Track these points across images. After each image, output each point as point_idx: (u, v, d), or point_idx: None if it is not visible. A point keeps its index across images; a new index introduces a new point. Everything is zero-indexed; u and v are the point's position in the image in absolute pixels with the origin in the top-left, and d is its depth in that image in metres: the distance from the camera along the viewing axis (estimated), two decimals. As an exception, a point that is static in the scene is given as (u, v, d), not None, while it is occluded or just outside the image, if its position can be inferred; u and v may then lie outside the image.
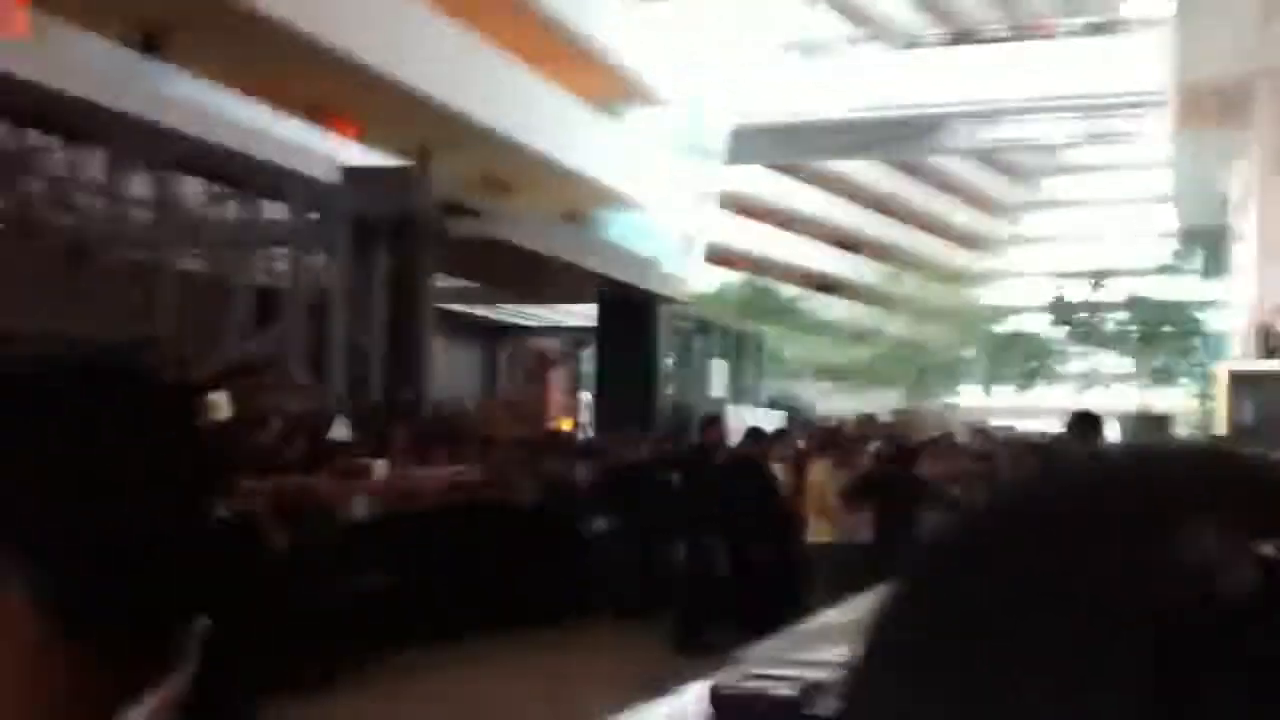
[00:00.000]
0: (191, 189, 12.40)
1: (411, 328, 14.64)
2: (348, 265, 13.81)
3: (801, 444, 13.20)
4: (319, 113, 21.55)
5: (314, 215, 13.47)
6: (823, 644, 3.56)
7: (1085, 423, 7.96)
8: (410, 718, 8.13)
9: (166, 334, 11.35)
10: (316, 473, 9.30)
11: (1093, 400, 40.88)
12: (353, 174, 15.59)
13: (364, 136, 22.51)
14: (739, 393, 24.15)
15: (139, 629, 0.77)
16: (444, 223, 14.89)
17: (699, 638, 10.17)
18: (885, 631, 0.40)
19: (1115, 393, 40.63)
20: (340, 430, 10.38)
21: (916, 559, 0.41)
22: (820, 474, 10.69)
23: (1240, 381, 18.34)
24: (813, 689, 2.47)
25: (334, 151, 19.10)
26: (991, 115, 45.99)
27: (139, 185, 11.71)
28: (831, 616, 4.32)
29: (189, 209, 12.21)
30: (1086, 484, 0.40)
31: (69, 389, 0.80)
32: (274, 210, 13.16)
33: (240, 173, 12.62)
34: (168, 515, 0.79)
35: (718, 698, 2.73)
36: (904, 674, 0.38)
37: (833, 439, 12.35)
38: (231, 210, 12.76)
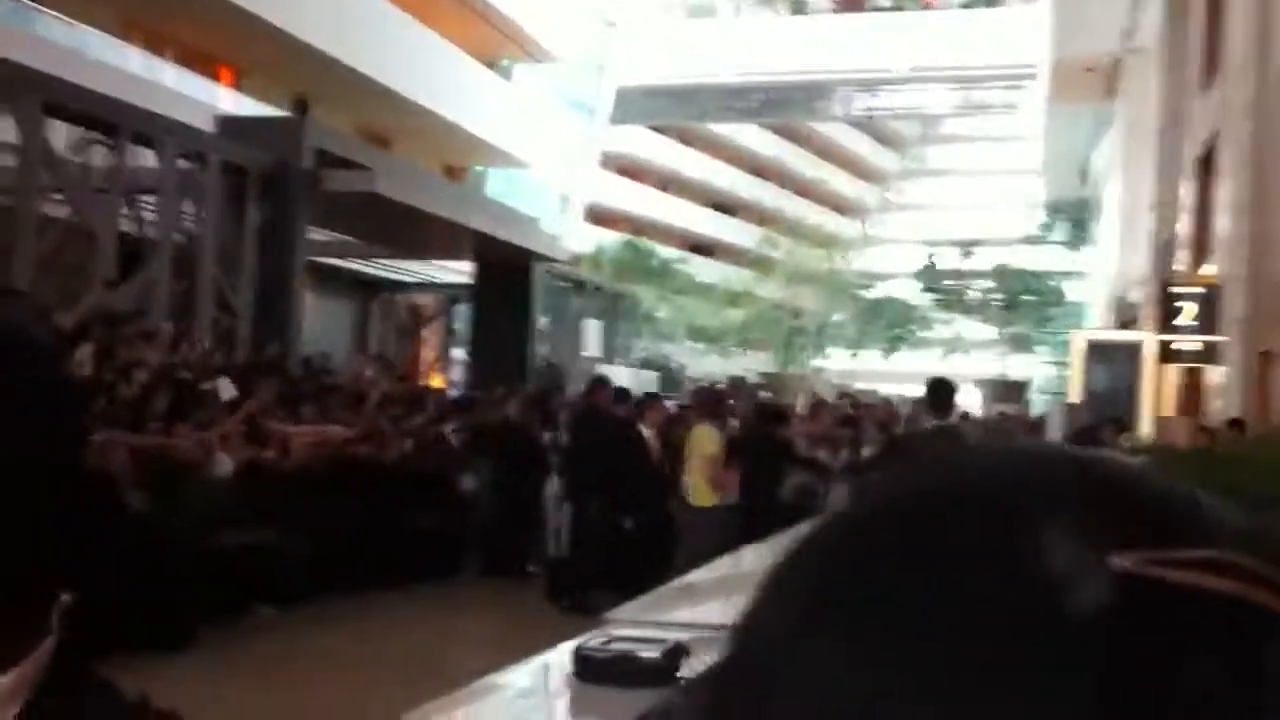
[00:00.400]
0: (60, 134, 12.02)
1: (282, 281, 14.43)
2: (219, 216, 13.55)
3: (674, 406, 13.31)
4: (195, 59, 21.01)
5: (186, 163, 13.18)
6: (688, 604, 3.67)
7: (940, 389, 8.44)
8: (276, 675, 8.12)
9: (28, 281, 11.04)
10: (180, 427, 9.17)
11: (954, 365, 41.93)
12: (227, 123, 15.28)
13: (241, 84, 22.00)
14: (612, 352, 24.30)
15: (3, 600, 0.73)
16: (319, 175, 14.69)
17: (573, 596, 10.32)
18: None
19: (976, 358, 41.77)
20: (226, 390, 10.21)
21: (779, 565, 0.43)
22: (705, 438, 10.68)
23: (1096, 350, 18.95)
24: (676, 651, 2.54)
25: (209, 99, 18.68)
26: (872, 83, 46.57)
27: (4, 129, 11.32)
28: (697, 576, 4.43)
29: (56, 153, 11.83)
30: (953, 491, 0.41)
31: None
32: (144, 157, 12.83)
33: (111, 118, 12.27)
34: (43, 478, 0.74)
35: (582, 660, 2.77)
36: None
37: (717, 402, 12.21)
38: (100, 156, 12.40)
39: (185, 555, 8.52)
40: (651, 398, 12.76)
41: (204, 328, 13.20)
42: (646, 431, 11.19)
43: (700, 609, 3.61)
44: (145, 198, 13.03)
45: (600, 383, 12.71)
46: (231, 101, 20.06)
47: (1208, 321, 14.99)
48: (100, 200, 12.21)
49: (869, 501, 0.43)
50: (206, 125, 14.33)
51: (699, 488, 10.49)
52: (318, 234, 16.77)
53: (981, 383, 28.54)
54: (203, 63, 21.14)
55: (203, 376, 10.63)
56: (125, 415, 9.01)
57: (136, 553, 8.12)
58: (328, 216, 16.11)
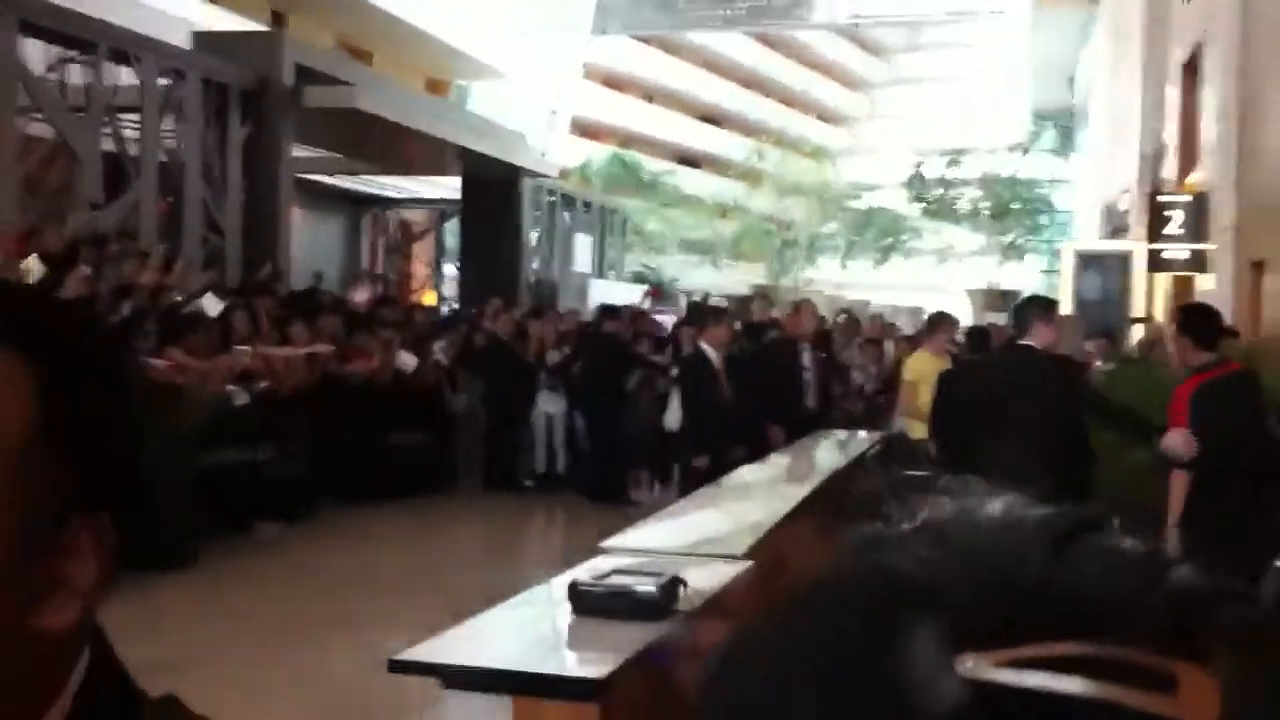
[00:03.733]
0: (36, 52, 11.83)
1: (269, 199, 14.32)
2: (201, 133, 13.40)
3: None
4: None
5: (165, 80, 12.99)
6: (684, 529, 3.67)
7: (1039, 304, 7.43)
8: (278, 590, 8.19)
9: (13, 203, 10.94)
10: (171, 350, 9.14)
11: (947, 274, 41.89)
12: (205, 38, 15.04)
13: (216, -2, 21.61)
14: (604, 266, 24.22)
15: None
16: (301, 90, 14.51)
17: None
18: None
19: (968, 266, 41.74)
20: (212, 305, 10.16)
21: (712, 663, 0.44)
22: (925, 366, 9.16)
23: (1085, 260, 18.97)
24: (673, 584, 2.53)
25: (185, 14, 18.35)
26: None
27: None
28: (694, 500, 4.42)
29: (33, 73, 11.66)
30: (847, 590, 0.42)
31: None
32: (123, 75, 12.65)
33: (87, 35, 12.06)
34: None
35: (577, 595, 2.71)
36: None
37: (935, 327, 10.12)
38: (78, 74, 12.21)
39: (184, 475, 8.55)
40: (716, 312, 11.18)
41: (193, 247, 13.11)
42: (711, 352, 9.58)
43: (695, 533, 3.62)
44: (126, 116, 12.86)
45: (609, 313, 12.69)
46: (207, 16, 19.73)
47: (1196, 229, 14.97)
48: (81, 119, 12.05)
49: (790, 598, 0.44)
50: (184, 41, 14.10)
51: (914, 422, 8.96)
52: (304, 151, 16.59)
53: (973, 293, 28.56)
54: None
55: (191, 298, 10.59)
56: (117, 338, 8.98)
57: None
58: (311, 132, 15.94)
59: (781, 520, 3.41)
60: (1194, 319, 5.80)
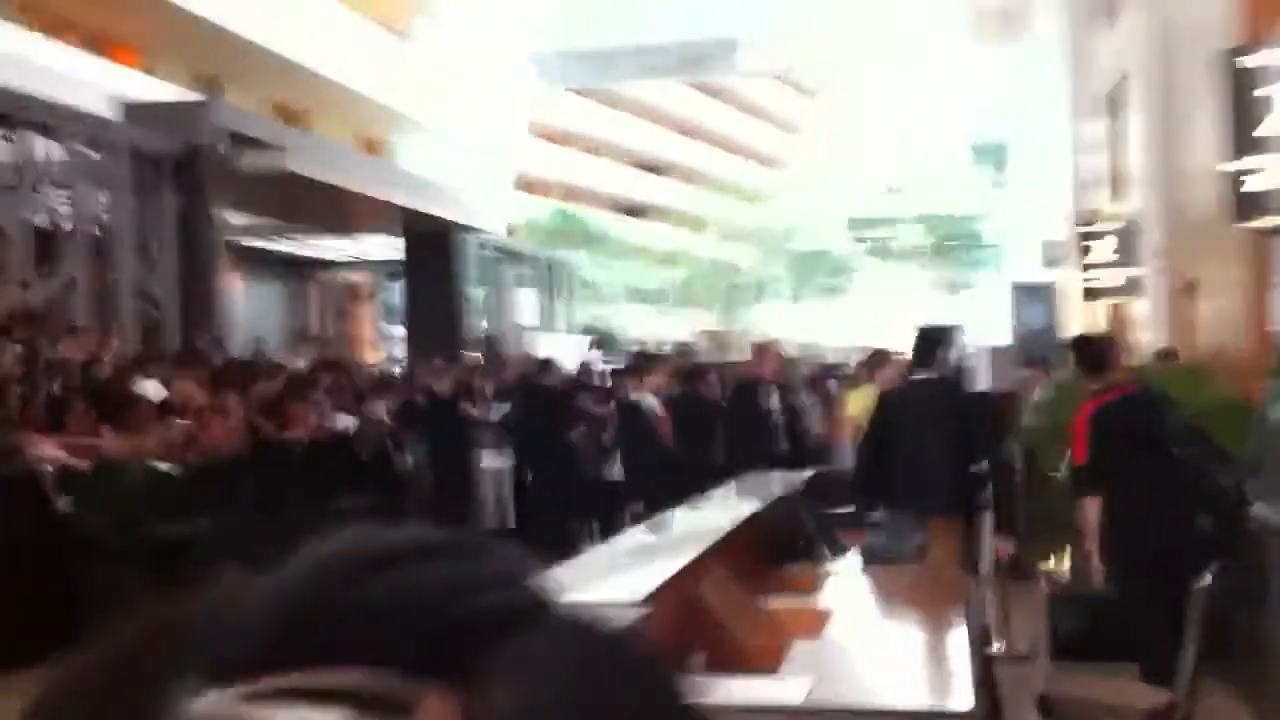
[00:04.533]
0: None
1: (203, 268, 14.22)
2: (132, 205, 13.31)
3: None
4: (98, 42, 20.58)
5: (95, 154, 12.91)
6: (590, 581, 3.65)
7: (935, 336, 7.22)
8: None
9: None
10: (103, 428, 9.01)
11: (889, 313, 42.20)
12: (135, 109, 14.98)
13: (146, 66, 21.59)
14: (552, 319, 24.22)
15: None
16: (235, 157, 14.46)
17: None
18: None
19: (911, 303, 42.04)
20: (156, 391, 10.01)
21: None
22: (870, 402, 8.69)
23: (1022, 291, 19.19)
24: None
25: (115, 84, 18.32)
26: (785, 36, 46.63)
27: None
28: (603, 549, 4.40)
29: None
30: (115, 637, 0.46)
31: None
32: (50, 148, 12.55)
33: (12, 109, 11.98)
34: None
35: None
36: None
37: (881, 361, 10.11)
38: (3, 149, 12.12)
39: (119, 553, 8.38)
40: (650, 359, 11.33)
41: (128, 321, 12.99)
42: (649, 399, 9.56)
43: (599, 580, 3.59)
44: (56, 190, 12.76)
45: (545, 365, 12.67)
46: (136, 85, 19.69)
47: (1128, 256, 15.19)
48: (9, 196, 11.95)
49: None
50: (113, 110, 14.04)
51: None
52: (241, 217, 16.54)
53: (915, 330, 28.71)
54: (106, 46, 20.70)
55: (127, 374, 10.45)
56: (45, 417, 8.85)
57: (67, 556, 8.02)
58: (246, 198, 15.89)
59: (689, 564, 3.40)
60: (1081, 348, 6.11)
